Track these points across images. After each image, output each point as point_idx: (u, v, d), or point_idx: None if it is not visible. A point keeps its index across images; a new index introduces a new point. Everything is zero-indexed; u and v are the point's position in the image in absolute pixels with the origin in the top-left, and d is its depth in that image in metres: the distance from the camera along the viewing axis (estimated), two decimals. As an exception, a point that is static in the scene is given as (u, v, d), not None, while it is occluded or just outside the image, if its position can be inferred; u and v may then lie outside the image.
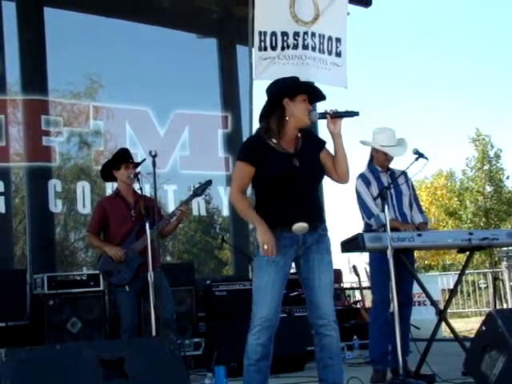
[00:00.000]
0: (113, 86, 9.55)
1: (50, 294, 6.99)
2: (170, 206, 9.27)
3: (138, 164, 5.93)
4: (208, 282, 7.89)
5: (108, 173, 5.98)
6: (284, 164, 3.90)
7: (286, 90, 3.96)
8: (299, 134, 3.99)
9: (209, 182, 6.00)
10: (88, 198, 8.91)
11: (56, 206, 8.57)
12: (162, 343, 3.82)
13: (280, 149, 3.93)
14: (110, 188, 8.39)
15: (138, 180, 5.64)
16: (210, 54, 9.92)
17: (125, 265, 5.70)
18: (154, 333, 5.22)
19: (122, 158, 5.93)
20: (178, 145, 9.37)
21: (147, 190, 7.15)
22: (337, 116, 3.95)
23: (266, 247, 3.77)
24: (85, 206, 8.91)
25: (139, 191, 5.78)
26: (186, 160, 9.40)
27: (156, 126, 9.28)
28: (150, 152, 5.33)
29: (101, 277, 7.01)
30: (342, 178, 4.01)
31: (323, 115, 3.96)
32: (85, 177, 9.63)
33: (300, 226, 3.84)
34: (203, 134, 9.56)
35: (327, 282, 3.94)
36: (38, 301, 7.07)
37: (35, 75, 8.71)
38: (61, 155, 9.11)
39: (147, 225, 5.35)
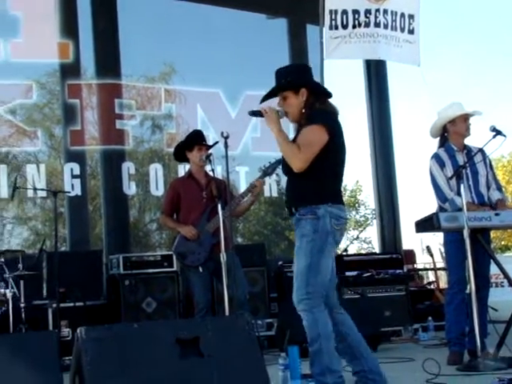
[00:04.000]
0: (184, 68, 9.62)
1: (125, 275, 7.13)
2: (242, 188, 9.30)
3: (210, 146, 5.95)
4: (280, 262, 7.90)
5: (181, 153, 6.03)
6: None
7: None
8: None
9: (279, 161, 5.95)
10: (161, 180, 9.04)
11: (130, 188, 8.73)
12: (236, 323, 3.84)
13: None
14: (182, 170, 8.48)
15: (210, 161, 5.65)
16: (280, 35, 9.88)
17: (198, 245, 5.74)
18: (227, 313, 5.25)
19: (196, 139, 5.97)
20: (249, 126, 9.38)
21: (219, 172, 7.21)
22: (252, 115, 4.23)
23: None
24: (158, 188, 9.05)
25: (211, 173, 5.80)
26: (258, 141, 9.40)
27: (227, 108, 9.31)
28: (222, 133, 5.33)
29: (174, 258, 7.12)
30: (293, 169, 3.96)
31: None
32: (158, 159, 9.76)
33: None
34: (275, 115, 9.53)
35: (295, 269, 3.97)
36: (114, 281, 7.22)
37: (109, 59, 8.87)
38: (134, 138, 9.25)
39: (219, 206, 5.37)
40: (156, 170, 9.08)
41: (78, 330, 3.54)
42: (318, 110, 4.01)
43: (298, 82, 4.07)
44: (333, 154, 3.98)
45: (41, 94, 9.08)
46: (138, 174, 9.22)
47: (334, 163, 4.02)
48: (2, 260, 6.47)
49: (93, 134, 8.94)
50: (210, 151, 5.82)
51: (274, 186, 9.88)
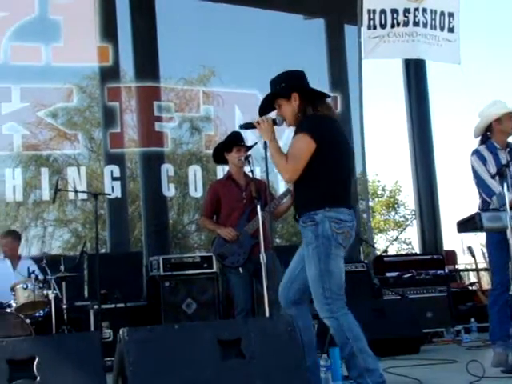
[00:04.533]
0: (222, 70, 9.65)
1: (165, 276, 7.16)
2: (281, 189, 9.30)
3: (249, 147, 5.94)
4: (320, 263, 7.85)
5: (220, 155, 6.04)
6: None
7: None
8: None
9: None
10: (200, 181, 9.06)
11: (169, 189, 8.77)
12: (278, 324, 3.82)
13: None
14: (221, 172, 8.50)
15: (249, 163, 5.63)
16: (317, 35, 9.83)
17: (238, 247, 5.74)
18: (267, 314, 5.23)
19: (234, 140, 5.96)
20: (287, 127, 9.35)
21: (258, 174, 7.20)
22: (243, 128, 4.47)
23: None
24: (196, 189, 9.08)
25: (250, 174, 5.79)
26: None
27: (265, 109, 9.29)
28: (262, 135, 5.31)
29: (214, 259, 7.13)
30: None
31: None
32: (196, 161, 9.79)
33: None
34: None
35: (309, 278, 4.02)
36: (155, 282, 7.26)
37: (147, 62, 8.93)
38: (173, 140, 9.29)
39: (258, 207, 5.35)
40: (195, 172, 9.11)
41: (121, 331, 3.56)
42: (308, 116, 4.06)
43: (288, 87, 4.15)
44: (326, 159, 4.01)
45: (81, 98, 9.18)
46: (177, 176, 9.27)
47: (330, 167, 4.03)
48: (45, 262, 6.55)
49: (132, 137, 9.01)
50: (248, 152, 5.80)
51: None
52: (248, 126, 4.37)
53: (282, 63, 9.49)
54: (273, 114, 4.33)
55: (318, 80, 9.68)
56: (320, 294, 3.94)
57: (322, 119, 4.08)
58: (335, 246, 3.94)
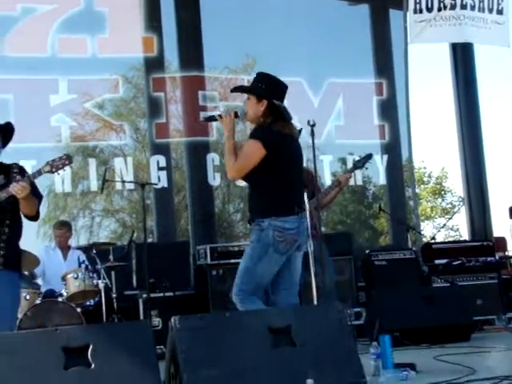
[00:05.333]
0: (266, 58, 9.61)
1: (212, 265, 7.19)
2: (326, 177, 9.27)
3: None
4: (367, 251, 7.83)
5: None
6: None
7: None
8: None
9: (369, 156, 5.94)
10: (246, 170, 9.04)
11: (214, 179, 8.79)
12: (328, 312, 3.82)
13: None
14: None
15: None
16: (362, 21, 9.72)
17: (285, 235, 5.74)
18: (314, 302, 5.22)
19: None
20: (332, 114, 9.31)
21: (304, 162, 7.17)
22: (206, 120, 4.69)
23: None
24: (242, 178, 9.06)
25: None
26: (341, 129, 9.32)
27: (310, 97, 9.25)
28: (309, 122, 5.29)
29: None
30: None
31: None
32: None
33: None
34: (358, 102, 9.43)
35: (239, 268, 4.44)
36: (202, 271, 7.30)
37: (192, 52, 8.94)
38: (218, 130, 9.30)
39: (305, 196, 5.32)
40: (240, 161, 9.10)
41: (172, 320, 3.59)
42: (264, 126, 4.33)
43: (265, 92, 4.39)
44: (276, 169, 4.28)
45: (127, 89, 9.24)
46: (222, 165, 9.28)
47: (279, 177, 4.29)
48: (94, 252, 6.64)
49: (177, 127, 9.05)
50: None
51: (358, 175, 9.76)
52: (211, 118, 4.52)
53: (326, 50, 9.53)
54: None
55: (364, 66, 9.66)
56: (237, 284, 4.42)
57: (275, 132, 4.32)
58: (271, 253, 4.28)
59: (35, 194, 4.30)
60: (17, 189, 4.04)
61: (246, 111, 4.41)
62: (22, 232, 4.50)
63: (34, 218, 4.40)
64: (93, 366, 3.38)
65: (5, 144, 4.50)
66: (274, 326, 3.62)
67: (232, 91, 4.89)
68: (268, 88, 4.44)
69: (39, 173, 4.16)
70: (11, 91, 8.16)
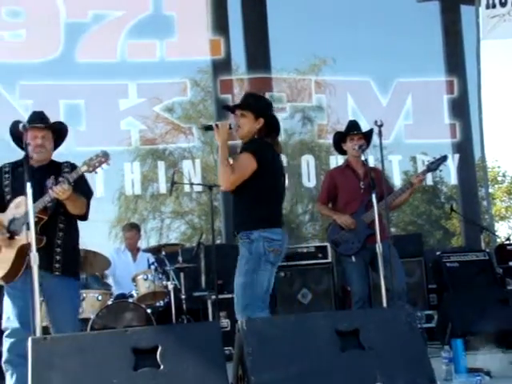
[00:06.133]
0: (334, 59, 9.57)
1: (279, 266, 7.12)
2: (395, 177, 9.14)
3: (364, 134, 5.84)
4: (438, 252, 7.68)
5: (338, 146, 6.00)
6: None
7: None
8: None
9: (444, 158, 5.84)
10: (312, 171, 9.01)
11: (282, 180, 8.75)
12: (397, 314, 3.76)
13: None
14: (334, 161, 8.44)
15: (363, 151, 5.56)
16: (432, 18, 9.54)
17: (353, 235, 5.70)
18: (384, 304, 5.15)
19: (347, 129, 5.92)
20: (401, 114, 9.17)
21: (372, 162, 7.10)
22: (203, 129, 4.66)
23: None
24: (309, 179, 9.02)
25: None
26: (410, 129, 9.17)
27: (378, 97, 9.14)
28: (376, 122, 5.23)
29: (328, 249, 7.10)
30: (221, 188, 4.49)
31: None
32: (309, 151, 9.75)
33: None
34: (427, 100, 9.25)
35: (235, 285, 4.38)
36: (270, 272, 7.28)
37: (259, 54, 8.94)
38: (285, 131, 9.29)
39: (374, 197, 5.26)
40: (308, 162, 9.06)
41: (239, 322, 3.60)
42: (255, 139, 4.43)
43: (264, 110, 4.50)
44: (265, 183, 4.37)
45: (195, 91, 9.32)
46: (290, 166, 9.26)
47: (268, 191, 4.40)
48: (163, 253, 6.70)
49: (246, 129, 9.07)
50: (362, 141, 5.71)
51: (429, 175, 9.59)
52: (208, 127, 4.52)
53: (395, 49, 9.40)
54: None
55: (434, 64, 9.49)
56: (238, 302, 4.33)
57: (266, 145, 4.44)
58: (264, 263, 4.32)
59: (83, 193, 4.31)
60: (57, 191, 4.07)
61: (238, 127, 4.44)
62: (78, 234, 4.53)
63: (83, 217, 4.42)
64: (162, 367, 3.41)
65: (58, 144, 4.56)
66: (342, 329, 3.59)
67: (228, 109, 4.81)
68: (266, 109, 4.58)
69: (77, 173, 4.14)
70: (82, 96, 8.32)
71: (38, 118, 4.46)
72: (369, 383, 3.43)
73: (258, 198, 4.39)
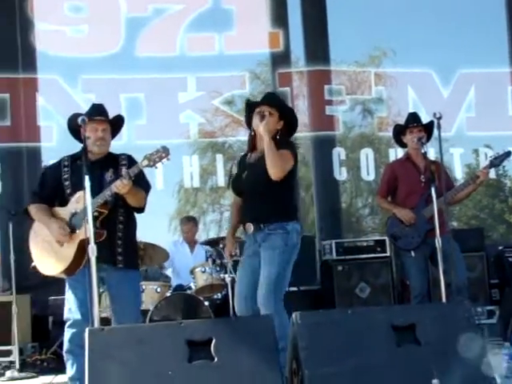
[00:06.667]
0: (394, 50, 9.46)
1: (338, 260, 7.15)
2: (457, 171, 8.98)
3: (426, 127, 5.74)
4: (500, 247, 7.52)
5: (398, 138, 5.93)
6: (239, 175, 4.62)
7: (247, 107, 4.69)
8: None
9: (508, 154, 5.70)
10: (372, 165, 8.91)
11: (340, 173, 8.70)
12: (455, 310, 3.69)
13: (248, 160, 4.62)
14: (393, 154, 8.34)
15: (422, 144, 5.46)
16: (496, 7, 9.31)
17: (413, 229, 5.62)
18: (443, 299, 5.06)
19: (407, 122, 5.84)
20: (463, 106, 8.99)
21: (432, 155, 6.99)
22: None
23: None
24: (369, 173, 8.93)
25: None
26: (473, 121, 8.99)
27: (439, 88, 8.98)
28: (435, 114, 5.13)
29: (387, 241, 7.04)
30: (272, 175, 4.34)
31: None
32: (368, 144, 9.66)
33: (246, 227, 4.49)
34: (490, 92, 9.04)
35: (264, 276, 4.35)
36: (327, 266, 7.27)
37: (318, 46, 8.86)
38: (344, 124, 9.21)
39: (433, 191, 5.17)
40: (367, 155, 8.97)
41: (294, 315, 3.59)
42: (292, 141, 4.65)
43: (287, 114, 4.64)
44: (295, 179, 4.72)
45: (255, 84, 9.32)
46: (349, 160, 9.18)
47: (296, 186, 4.87)
48: (221, 246, 6.72)
49: (303, 121, 9.04)
50: (422, 134, 5.62)
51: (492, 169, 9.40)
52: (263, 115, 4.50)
53: (458, 39, 9.23)
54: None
55: (498, 55, 9.27)
56: (272, 291, 4.32)
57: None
58: (294, 256, 4.46)
59: (142, 186, 4.34)
60: (119, 186, 4.11)
61: (267, 123, 4.47)
62: (136, 225, 4.57)
63: (141, 210, 4.45)
64: (216, 359, 3.42)
65: (113, 136, 4.59)
66: (398, 324, 3.54)
67: (253, 104, 4.68)
68: (290, 113, 4.73)
69: (137, 168, 4.17)
70: (142, 90, 8.42)
71: (97, 111, 4.51)
72: (425, 379, 3.38)
73: (291, 191, 4.59)
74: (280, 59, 8.88)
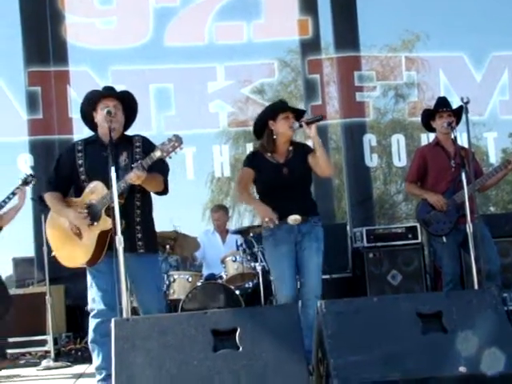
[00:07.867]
0: (427, 34, 9.34)
1: (369, 247, 7.11)
2: (491, 155, 8.86)
3: (455, 111, 5.66)
4: (535, 232, 7.39)
5: (428, 123, 5.86)
6: (274, 172, 4.82)
7: (268, 113, 4.92)
8: (290, 148, 4.89)
9: None
10: (403, 150, 8.83)
11: (372, 160, 8.64)
12: (482, 297, 3.64)
13: (273, 160, 4.86)
14: (425, 139, 8.24)
15: (452, 129, 5.39)
16: (529, -12, 9.17)
17: (444, 215, 5.56)
18: (475, 286, 5.01)
19: (436, 106, 5.77)
20: (496, 89, 8.84)
21: (464, 140, 6.89)
22: (308, 123, 4.71)
23: (267, 220, 4.62)
24: (400, 159, 8.85)
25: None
26: (506, 105, 8.84)
27: (472, 72, 8.85)
28: (462, 99, 5.07)
29: (419, 229, 6.97)
30: (323, 173, 4.81)
31: (300, 125, 4.75)
32: (400, 130, 9.57)
33: (293, 218, 4.71)
34: (525, 75, 8.91)
35: (315, 265, 4.78)
36: (359, 254, 7.23)
37: (347, 32, 8.79)
38: (375, 109, 9.13)
39: (463, 176, 5.10)
40: (398, 141, 8.88)
41: (319, 304, 3.58)
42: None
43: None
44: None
45: (284, 72, 9.29)
46: (380, 146, 9.11)
47: None
48: (251, 235, 6.73)
49: (334, 108, 8.98)
50: (451, 118, 5.55)
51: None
52: (300, 125, 4.77)
53: (490, 22, 9.06)
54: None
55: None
56: (320, 279, 4.80)
57: None
58: None
59: (159, 171, 4.24)
60: (132, 177, 4.08)
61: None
62: (152, 207, 4.51)
63: (163, 193, 4.40)
64: (240, 348, 3.43)
65: (131, 119, 4.52)
66: (424, 312, 3.51)
67: (286, 107, 4.99)
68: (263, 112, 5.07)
69: (151, 159, 4.08)
70: (172, 80, 8.44)
71: (107, 90, 4.50)
72: (452, 367, 3.35)
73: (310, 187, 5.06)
74: (309, 46, 8.83)
